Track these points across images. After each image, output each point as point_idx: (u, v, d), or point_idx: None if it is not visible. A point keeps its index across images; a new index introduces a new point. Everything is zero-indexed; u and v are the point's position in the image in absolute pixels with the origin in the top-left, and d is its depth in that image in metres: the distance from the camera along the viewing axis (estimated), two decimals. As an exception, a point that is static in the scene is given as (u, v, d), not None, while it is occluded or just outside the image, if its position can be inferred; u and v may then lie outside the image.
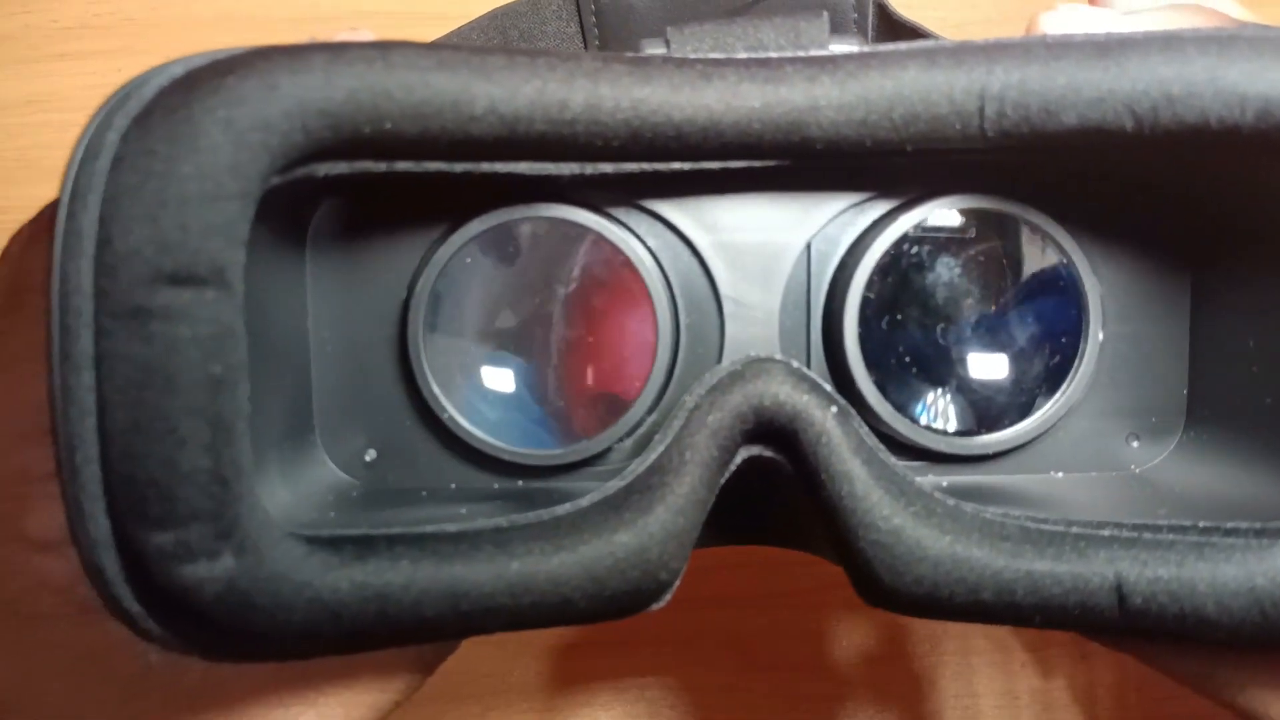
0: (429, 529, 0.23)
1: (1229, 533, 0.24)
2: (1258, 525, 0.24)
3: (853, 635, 0.53)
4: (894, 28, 0.40)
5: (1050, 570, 0.23)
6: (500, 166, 0.24)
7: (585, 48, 0.41)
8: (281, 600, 0.22)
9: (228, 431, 0.21)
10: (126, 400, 0.20)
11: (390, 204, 0.28)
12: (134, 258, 0.20)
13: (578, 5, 0.41)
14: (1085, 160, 0.26)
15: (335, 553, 0.23)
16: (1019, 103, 0.22)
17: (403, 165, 0.23)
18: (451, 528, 0.24)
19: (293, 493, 0.27)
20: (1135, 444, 0.30)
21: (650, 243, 0.28)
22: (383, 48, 0.22)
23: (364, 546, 0.23)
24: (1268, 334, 0.27)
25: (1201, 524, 0.24)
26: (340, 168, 0.23)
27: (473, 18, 0.40)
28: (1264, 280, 0.27)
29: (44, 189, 0.50)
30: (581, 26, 0.41)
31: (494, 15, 0.40)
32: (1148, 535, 0.24)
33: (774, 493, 0.27)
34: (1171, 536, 0.24)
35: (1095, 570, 0.23)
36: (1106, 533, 0.24)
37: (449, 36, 0.38)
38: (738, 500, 0.26)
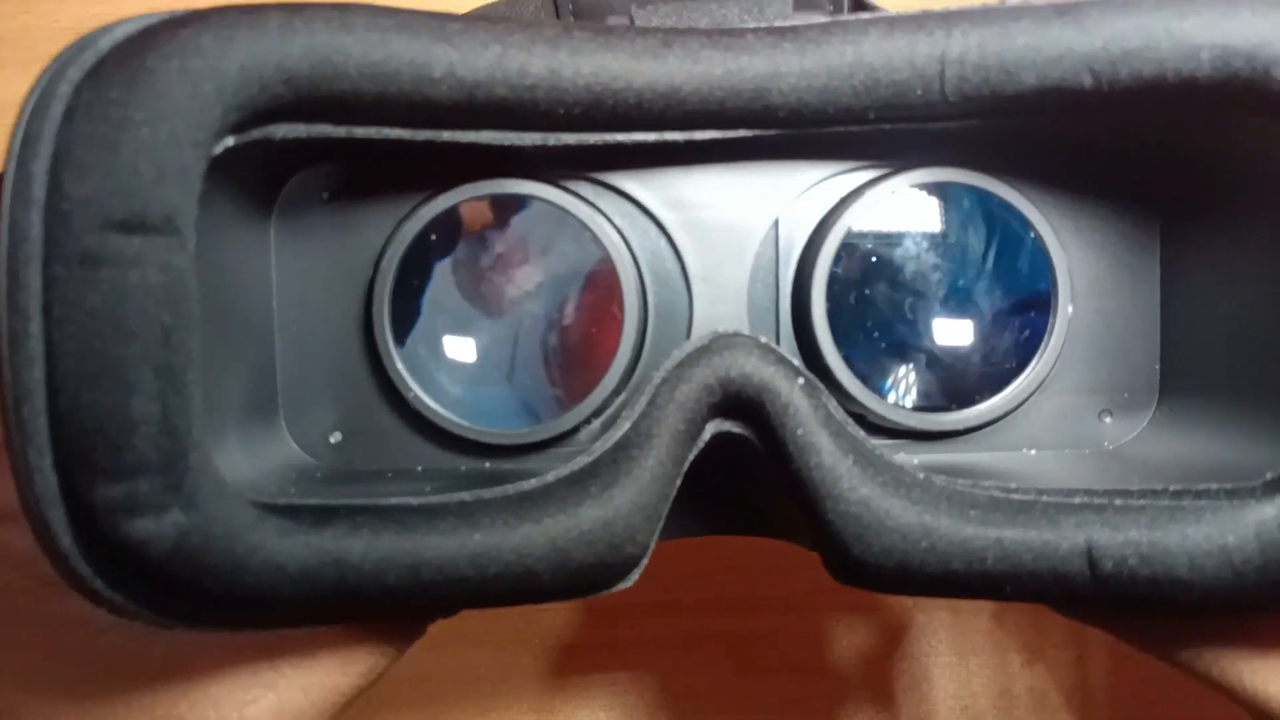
0: (392, 501, 0.23)
1: (1200, 494, 0.23)
2: (1229, 486, 0.23)
3: (852, 636, 0.53)
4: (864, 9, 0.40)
5: (1020, 537, 0.23)
6: (461, 135, 0.24)
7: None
8: (234, 560, 0.21)
9: (177, 381, 0.21)
10: (74, 348, 0.20)
11: (356, 181, 0.28)
12: (85, 204, 0.20)
13: (555, 3, 0.41)
14: (1051, 128, 0.26)
15: (292, 519, 0.22)
16: (979, 65, 0.22)
17: (362, 131, 0.23)
18: (414, 501, 0.23)
19: (254, 467, 0.26)
20: (1108, 420, 0.30)
21: (617, 220, 0.28)
22: (342, 7, 0.22)
23: (323, 515, 0.23)
24: (1238, 295, 0.27)
25: (1173, 488, 0.24)
26: (299, 130, 0.23)
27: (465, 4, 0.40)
28: (1232, 240, 0.27)
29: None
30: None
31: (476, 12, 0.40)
32: (1119, 501, 0.24)
33: (751, 479, 0.27)
34: (1143, 502, 0.23)
35: (1065, 536, 0.23)
36: (1077, 500, 0.24)
37: None
38: (715, 487, 0.26)
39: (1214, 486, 0.24)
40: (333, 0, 0.22)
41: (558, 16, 0.41)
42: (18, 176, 0.20)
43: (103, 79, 0.21)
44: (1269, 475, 0.23)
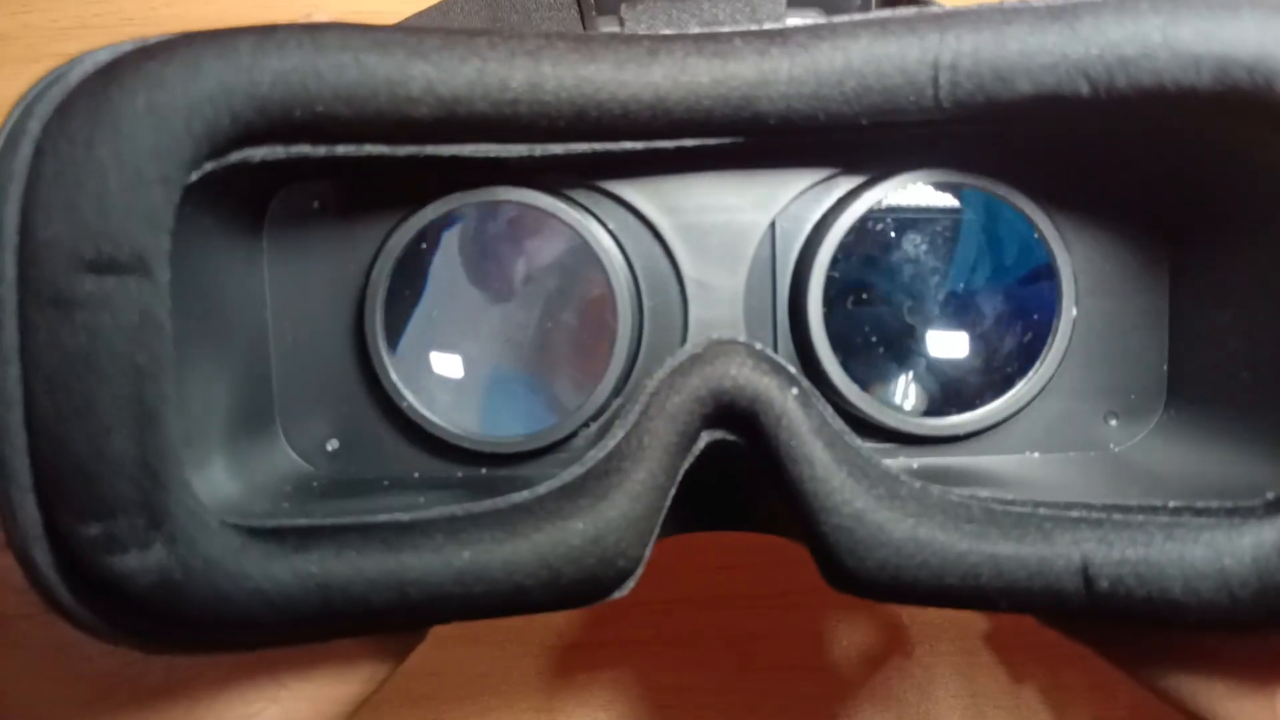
0: (380, 519, 0.23)
1: (1200, 512, 0.23)
2: (1229, 504, 0.23)
3: (852, 635, 0.53)
4: None
5: (1015, 553, 0.23)
6: (445, 149, 0.24)
7: (580, 12, 0.40)
8: (218, 590, 0.22)
9: (154, 420, 0.21)
10: (52, 390, 0.20)
11: (346, 191, 0.28)
12: (55, 246, 0.20)
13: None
14: (1052, 130, 0.25)
15: (277, 543, 0.22)
16: (972, 71, 0.22)
17: (342, 149, 0.23)
18: (404, 517, 0.23)
19: (244, 484, 0.26)
20: (1113, 423, 0.29)
21: (610, 225, 0.28)
22: (313, 29, 0.21)
23: (307, 537, 0.23)
24: (1245, 307, 0.26)
25: (1172, 504, 0.23)
26: (277, 152, 0.23)
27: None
28: (1240, 251, 0.27)
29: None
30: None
31: None
32: (1116, 516, 0.23)
33: (744, 477, 0.27)
34: (1141, 517, 0.23)
35: (1061, 553, 0.23)
36: (1074, 514, 0.23)
37: (432, 11, 0.37)
38: (709, 486, 0.26)
39: (1214, 504, 0.23)
40: (304, 22, 0.22)
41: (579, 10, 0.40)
42: None
43: (69, 116, 0.20)
44: (1270, 495, 0.23)
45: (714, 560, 0.51)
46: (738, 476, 0.27)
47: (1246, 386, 0.27)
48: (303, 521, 0.23)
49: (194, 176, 0.21)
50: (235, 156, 0.22)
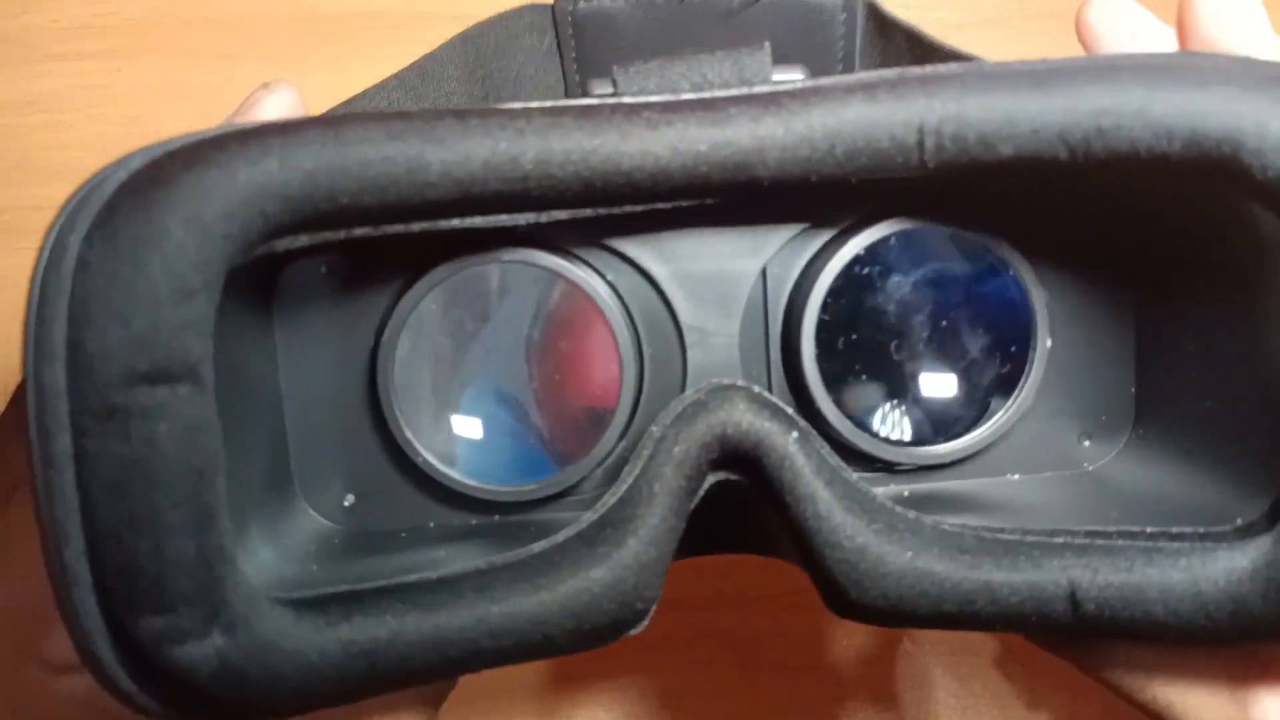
0: (411, 578, 0.24)
1: (1175, 537, 0.25)
2: (1200, 529, 0.25)
3: (852, 635, 0.53)
4: (885, 27, 0.39)
5: (1007, 580, 0.24)
6: (457, 223, 0.25)
7: (561, 63, 0.41)
8: (274, 670, 0.23)
9: (209, 518, 0.22)
10: (110, 496, 0.21)
11: (355, 259, 0.29)
12: (107, 359, 0.20)
13: (554, 20, 0.41)
14: (1030, 183, 0.27)
15: (321, 614, 0.23)
16: (957, 135, 0.23)
17: (361, 231, 0.24)
18: (432, 575, 0.24)
19: (275, 549, 0.27)
20: (1087, 443, 0.31)
21: (609, 277, 0.29)
22: (333, 123, 0.22)
23: (349, 603, 0.24)
24: (1206, 342, 0.28)
25: (1149, 529, 0.25)
26: (301, 241, 0.24)
27: (469, 18, 0.40)
28: (1201, 296, 0.28)
29: (44, 189, 0.51)
30: (558, 40, 0.41)
31: (464, 38, 0.39)
32: (1099, 542, 0.25)
33: (746, 507, 0.28)
34: (1121, 543, 0.25)
35: (1050, 579, 0.24)
36: (1059, 540, 0.25)
37: (421, 62, 0.38)
38: (712, 515, 0.27)
39: (1187, 530, 0.25)
40: (324, 115, 0.23)
41: (555, 30, 0.41)
42: (39, 334, 0.21)
43: (112, 231, 0.21)
44: (1239, 521, 0.25)
45: (714, 561, 0.51)
46: (737, 506, 0.28)
47: (1209, 414, 0.28)
48: (340, 589, 0.24)
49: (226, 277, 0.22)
50: (262, 249, 0.23)
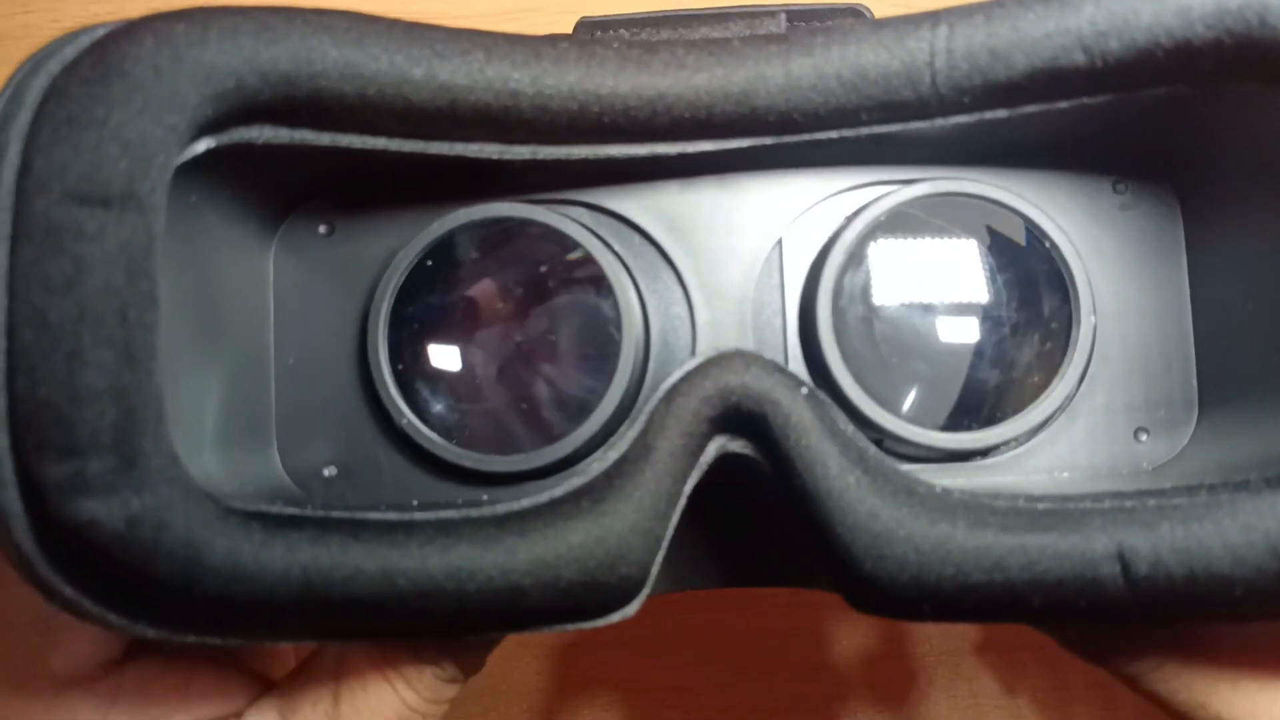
0: (370, 516, 0.23)
1: (1238, 486, 0.22)
2: (1269, 474, 0.22)
3: (852, 635, 0.53)
4: None
5: (1044, 542, 0.22)
6: (448, 147, 0.23)
7: None
8: (189, 553, 0.21)
9: (134, 359, 0.20)
10: (32, 322, 0.20)
11: (353, 214, 0.28)
12: (49, 178, 0.20)
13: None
14: (1056, 124, 0.24)
15: (259, 521, 0.22)
16: (967, 51, 0.22)
17: (346, 140, 0.23)
18: (394, 516, 0.23)
19: (233, 483, 0.26)
20: (1145, 439, 0.28)
21: (614, 243, 0.28)
22: (322, 10, 0.22)
23: (292, 521, 0.22)
24: (1267, 286, 0.26)
25: (1209, 483, 0.23)
26: (281, 135, 0.22)
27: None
28: (1254, 226, 0.26)
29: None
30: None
31: None
32: (1151, 502, 0.22)
33: (764, 526, 0.26)
34: (1177, 500, 0.22)
35: (1094, 539, 0.22)
36: (1106, 504, 0.22)
37: None
38: (726, 537, 0.25)
39: (1253, 476, 0.22)
40: (315, 6, 0.22)
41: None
42: None
43: (77, 68, 0.21)
44: None
45: (714, 560, 0.51)
46: (752, 530, 0.27)
47: (1275, 370, 0.26)
48: (286, 510, 0.22)
49: (200, 147, 0.21)
50: (239, 134, 0.22)
